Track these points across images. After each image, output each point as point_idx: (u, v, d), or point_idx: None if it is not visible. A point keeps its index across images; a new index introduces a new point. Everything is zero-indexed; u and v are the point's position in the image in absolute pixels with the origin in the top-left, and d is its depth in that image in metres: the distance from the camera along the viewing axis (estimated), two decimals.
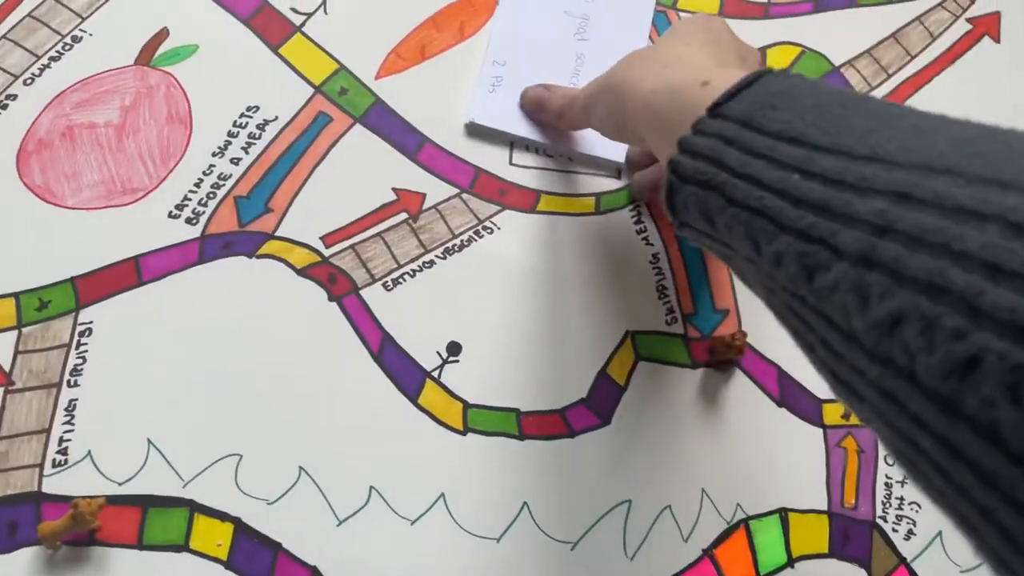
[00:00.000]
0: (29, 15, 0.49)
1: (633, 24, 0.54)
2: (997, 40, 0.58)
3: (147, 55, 0.49)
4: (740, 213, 0.29)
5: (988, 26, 0.58)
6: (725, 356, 0.46)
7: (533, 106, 0.49)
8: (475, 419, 0.45)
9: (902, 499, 0.46)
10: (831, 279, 0.25)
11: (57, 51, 0.48)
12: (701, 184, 0.31)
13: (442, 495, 0.43)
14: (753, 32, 0.55)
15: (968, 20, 0.58)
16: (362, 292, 0.46)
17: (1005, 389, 0.19)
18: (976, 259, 0.21)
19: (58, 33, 0.49)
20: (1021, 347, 0.19)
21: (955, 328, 0.20)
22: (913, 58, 0.56)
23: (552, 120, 0.48)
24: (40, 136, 0.46)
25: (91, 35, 0.49)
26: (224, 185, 0.47)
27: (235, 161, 0.47)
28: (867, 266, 0.24)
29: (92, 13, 0.49)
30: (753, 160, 0.29)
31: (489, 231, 0.48)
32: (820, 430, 0.47)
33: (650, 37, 0.54)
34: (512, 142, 0.50)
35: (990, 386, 0.19)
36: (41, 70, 0.48)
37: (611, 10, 0.54)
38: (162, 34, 0.50)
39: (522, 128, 0.50)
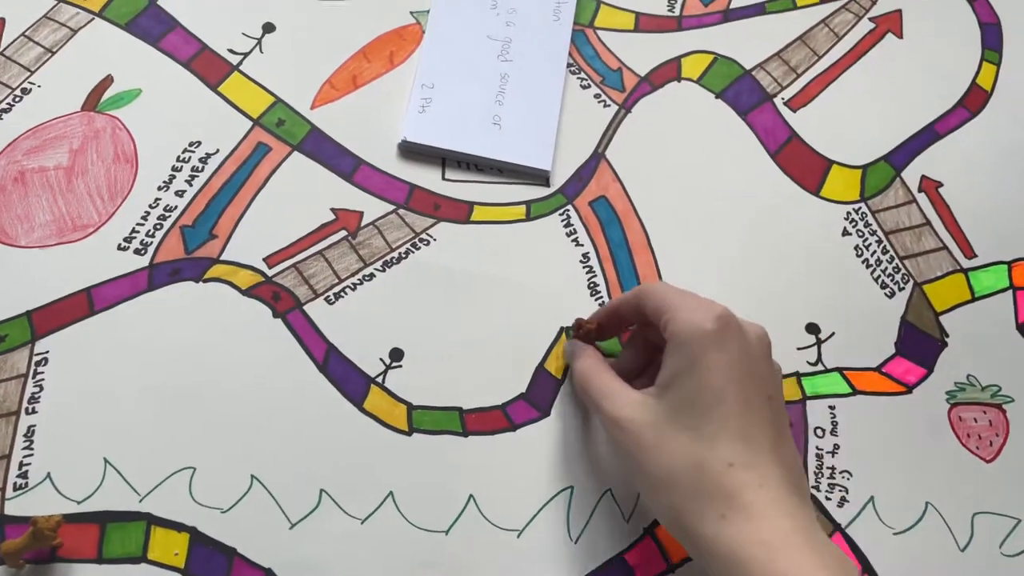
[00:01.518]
0: None
1: (553, 44, 0.57)
2: (900, 36, 0.61)
3: (93, 101, 0.52)
4: None
5: (891, 23, 0.62)
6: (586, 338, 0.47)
7: (568, 356, 0.48)
8: (420, 420, 0.47)
9: (833, 468, 0.48)
10: None
11: (8, 103, 0.51)
12: None
13: (391, 493, 0.45)
14: (668, 44, 0.59)
15: (871, 19, 0.61)
16: (305, 307, 0.48)
17: None
18: None
19: (8, 87, 0.52)
20: None
21: None
22: (820, 57, 0.60)
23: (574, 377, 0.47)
24: None
25: (39, 86, 0.52)
26: (170, 216, 0.50)
27: (180, 193, 0.50)
28: None
29: (40, 66, 0.53)
30: None
31: (426, 243, 0.51)
32: None
33: (569, 54, 0.57)
34: (444, 159, 0.53)
35: None
36: None
37: (530, 31, 0.57)
38: (107, 81, 0.53)
39: (451, 143, 0.52)
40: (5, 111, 0.51)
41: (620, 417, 0.40)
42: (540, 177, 0.53)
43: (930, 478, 0.48)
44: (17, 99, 0.51)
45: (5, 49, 0.53)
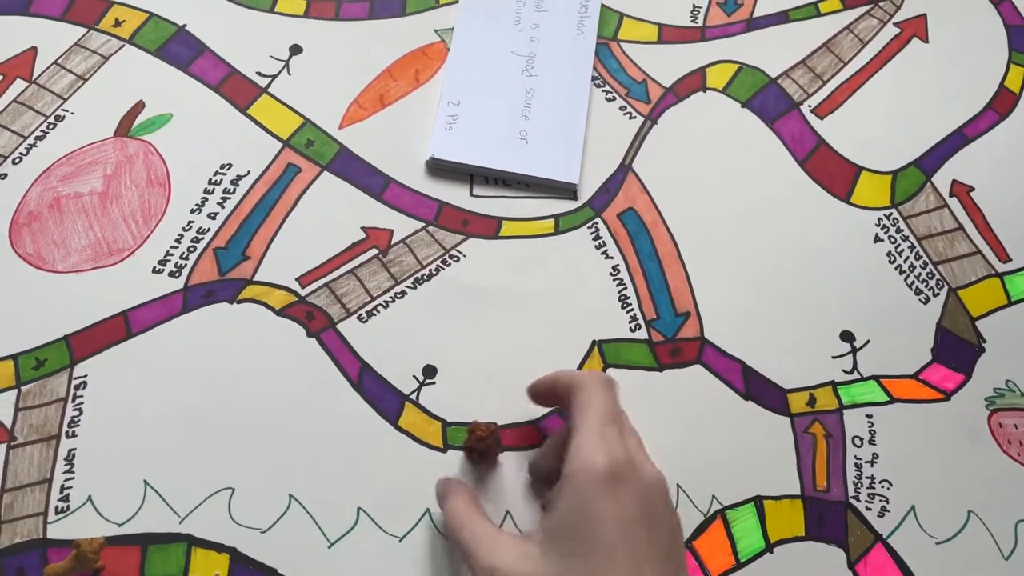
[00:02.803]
0: (14, 100, 0.53)
1: (577, 58, 0.57)
2: (925, 40, 0.61)
3: (125, 127, 0.53)
4: None
5: (916, 28, 0.61)
6: (477, 446, 0.45)
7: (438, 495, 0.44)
8: (454, 436, 0.47)
9: (872, 478, 0.47)
10: None
11: (42, 131, 0.52)
12: None
13: (427, 511, 0.45)
14: (691, 54, 0.59)
15: (896, 24, 0.61)
16: (339, 326, 0.49)
17: None
18: None
19: (42, 115, 0.53)
20: None
21: None
22: (846, 64, 0.59)
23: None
24: (30, 209, 0.50)
25: (73, 113, 0.53)
26: (203, 239, 0.50)
27: (212, 216, 0.51)
28: None
29: (73, 94, 0.53)
30: None
31: (456, 259, 0.51)
32: (787, 419, 0.49)
33: (594, 67, 0.57)
34: (472, 175, 0.53)
35: None
36: (28, 149, 0.51)
37: (554, 46, 0.57)
38: (138, 106, 0.53)
39: (478, 159, 0.53)
40: (40, 138, 0.52)
41: (497, 567, 0.36)
42: (568, 191, 0.54)
43: (972, 486, 0.48)
44: (51, 126, 0.52)
45: (38, 77, 0.54)
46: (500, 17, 0.58)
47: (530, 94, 0.55)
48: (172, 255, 0.49)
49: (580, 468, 0.36)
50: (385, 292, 0.50)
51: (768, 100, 0.57)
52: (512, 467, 0.46)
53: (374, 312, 0.49)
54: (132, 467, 0.44)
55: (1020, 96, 0.59)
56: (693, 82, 0.58)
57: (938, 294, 0.52)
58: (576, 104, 0.55)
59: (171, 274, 0.49)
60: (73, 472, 0.44)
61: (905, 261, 0.53)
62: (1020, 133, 0.58)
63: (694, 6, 0.61)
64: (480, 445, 0.45)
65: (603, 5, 0.60)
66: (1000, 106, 0.59)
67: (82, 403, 0.46)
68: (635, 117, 0.56)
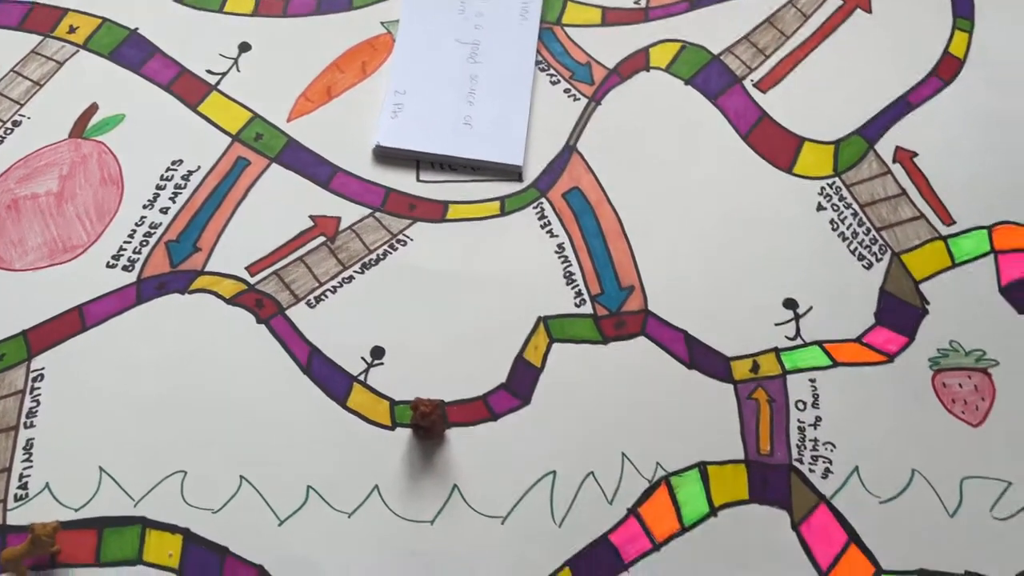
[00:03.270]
0: None
1: (521, 44, 0.58)
2: (868, 10, 0.61)
3: (80, 128, 0.54)
4: None
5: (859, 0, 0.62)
6: (422, 422, 0.45)
7: None
8: (402, 415, 0.48)
9: (816, 440, 0.48)
10: None
11: None
12: None
13: (376, 487, 0.46)
14: (635, 35, 0.60)
15: None
16: (288, 312, 0.50)
17: None
18: None
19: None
20: None
21: None
22: (788, 38, 0.60)
23: None
24: None
25: (29, 118, 0.54)
26: (155, 233, 0.51)
27: (164, 211, 0.52)
28: None
29: (29, 99, 0.55)
30: None
31: (403, 243, 0.52)
32: (730, 386, 0.49)
33: (538, 52, 0.58)
34: (418, 161, 0.55)
35: None
36: None
37: (499, 32, 0.58)
38: (92, 108, 0.55)
39: (424, 145, 0.54)
40: None
41: None
42: (513, 173, 0.55)
43: (916, 445, 0.48)
44: (8, 131, 0.54)
45: None
46: (444, 6, 0.59)
47: (475, 80, 0.56)
48: (125, 250, 0.51)
49: None
50: (333, 277, 0.51)
51: (711, 76, 0.58)
52: (460, 443, 0.47)
53: (322, 297, 0.50)
54: (88, 454, 0.46)
55: (964, 61, 0.59)
56: (637, 62, 0.59)
57: (881, 259, 0.53)
58: (520, 88, 0.56)
59: (124, 268, 0.50)
60: (31, 461, 0.45)
61: (848, 228, 0.54)
62: (964, 98, 0.58)
63: None
64: (425, 421, 0.46)
65: None
66: (944, 72, 0.59)
67: (39, 395, 0.47)
68: (579, 99, 0.57)
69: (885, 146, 0.57)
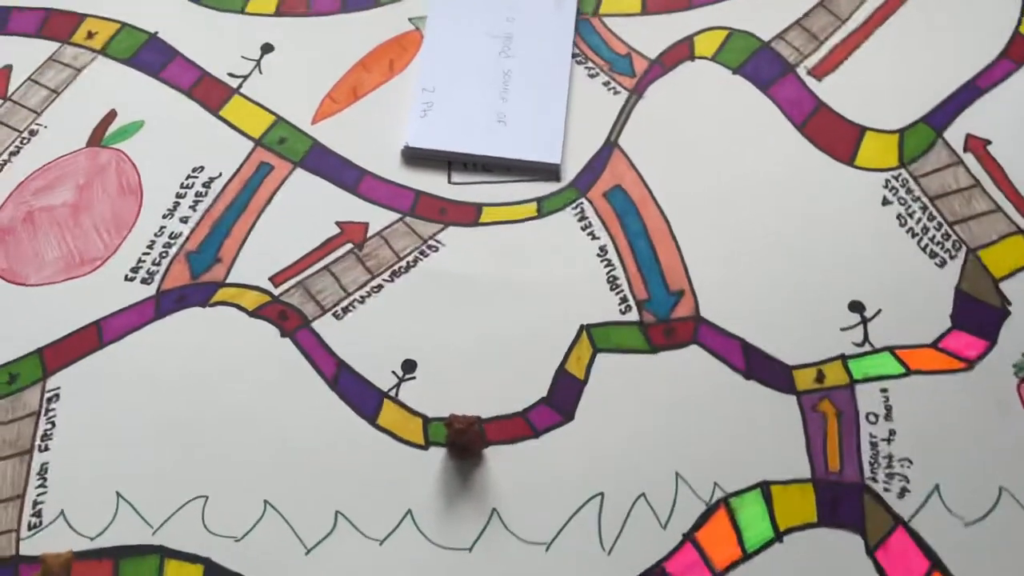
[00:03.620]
0: None
1: (557, 36, 0.55)
2: None
3: (98, 136, 0.52)
4: None
5: None
6: (457, 439, 0.42)
7: None
8: (437, 432, 0.44)
9: (891, 456, 0.44)
10: None
11: (16, 146, 0.52)
12: None
13: (409, 511, 0.43)
14: (678, 23, 0.56)
15: None
16: (313, 324, 0.47)
17: None
18: None
19: (16, 130, 0.52)
20: None
21: None
22: (844, 22, 0.56)
23: None
24: (3, 225, 0.49)
25: (46, 127, 0.53)
26: (175, 243, 0.49)
27: (184, 220, 0.50)
28: None
29: (46, 107, 0.53)
30: None
31: (434, 249, 0.49)
32: (793, 397, 0.45)
33: (575, 44, 0.55)
34: (450, 162, 0.51)
35: None
36: (2, 165, 0.51)
37: (533, 25, 0.55)
38: (110, 116, 0.53)
39: (456, 144, 0.51)
40: (14, 154, 0.52)
41: None
42: (550, 172, 0.51)
43: (1002, 461, 0.44)
44: (25, 141, 0.52)
45: (12, 94, 0.53)
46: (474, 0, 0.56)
47: (508, 76, 0.53)
48: (144, 262, 0.48)
49: None
50: (361, 287, 0.48)
51: (761, 65, 0.54)
52: (498, 463, 0.44)
53: (350, 308, 0.47)
54: (104, 479, 0.43)
55: None
56: (680, 52, 0.55)
57: (955, 256, 0.48)
58: (556, 83, 0.53)
59: (143, 281, 0.48)
60: (46, 487, 0.43)
61: (917, 223, 0.49)
62: None
63: None
64: (461, 439, 0.42)
65: None
66: (1016, 54, 0.54)
67: (55, 416, 0.45)
68: (619, 92, 0.54)
69: (954, 134, 0.52)
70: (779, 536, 0.42)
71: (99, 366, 0.46)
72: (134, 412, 0.45)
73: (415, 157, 0.51)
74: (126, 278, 0.48)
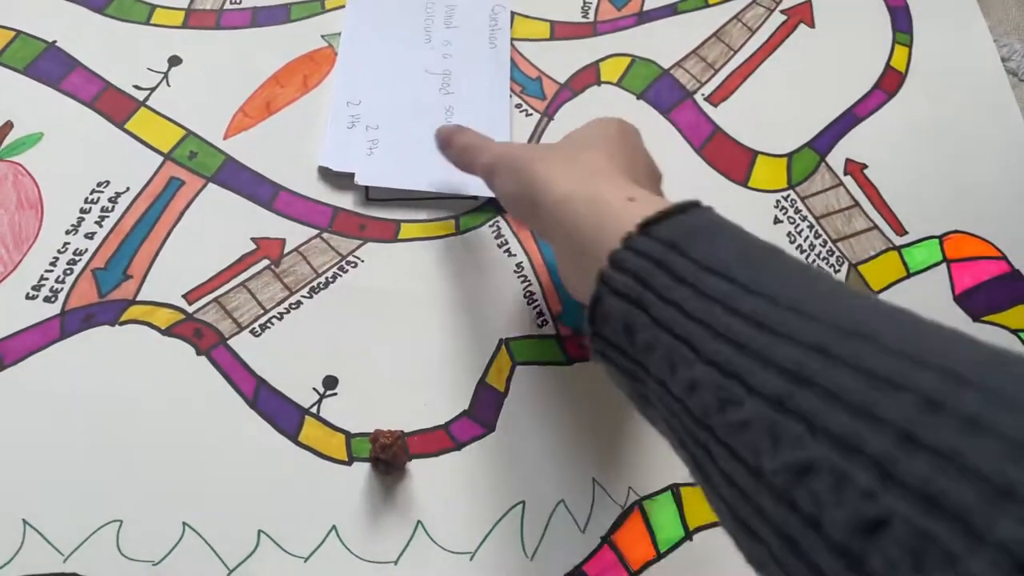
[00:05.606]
0: None
1: (493, 70, 0.56)
2: (812, 25, 0.62)
3: None
4: (662, 335, 0.29)
5: (802, 14, 0.62)
6: (382, 455, 0.43)
7: (440, 142, 0.47)
8: (359, 448, 0.45)
9: None
10: (743, 415, 0.25)
11: None
12: (629, 300, 0.31)
13: (334, 527, 0.43)
14: (584, 49, 0.59)
15: (782, 11, 0.62)
16: (230, 342, 0.46)
17: (909, 554, 0.20)
18: (892, 426, 0.21)
19: None
20: (929, 517, 0.20)
21: (866, 488, 0.21)
22: (736, 52, 0.60)
23: (453, 157, 0.47)
24: None
25: None
26: (80, 260, 0.47)
27: (89, 235, 0.48)
28: (782, 411, 0.24)
29: None
30: (679, 287, 0.29)
31: (353, 265, 0.49)
32: None
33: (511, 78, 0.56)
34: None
35: (895, 549, 0.20)
36: None
37: (469, 61, 0.56)
38: (6, 127, 0.51)
39: (403, 182, 0.51)
40: None
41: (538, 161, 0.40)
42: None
43: None
44: None
45: None
46: (387, 15, 0.57)
47: (450, 112, 0.54)
48: (47, 279, 0.47)
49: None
50: (279, 303, 0.48)
51: (662, 91, 0.58)
52: (422, 476, 0.45)
53: (268, 325, 0.47)
54: (9, 506, 0.41)
55: (906, 74, 0.60)
56: (587, 76, 0.58)
57: (839, 271, 0.53)
58: (498, 116, 0.54)
59: (46, 299, 0.46)
60: None
61: (805, 240, 0.53)
62: (908, 110, 0.59)
63: (584, 2, 0.61)
64: (385, 454, 0.43)
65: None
66: (888, 85, 0.60)
67: None
68: (532, 114, 0.56)
69: (835, 158, 0.57)
70: (689, 535, 0.45)
71: (1, 389, 0.44)
72: (40, 436, 0.43)
73: (331, 174, 0.51)
74: (27, 296, 0.46)
